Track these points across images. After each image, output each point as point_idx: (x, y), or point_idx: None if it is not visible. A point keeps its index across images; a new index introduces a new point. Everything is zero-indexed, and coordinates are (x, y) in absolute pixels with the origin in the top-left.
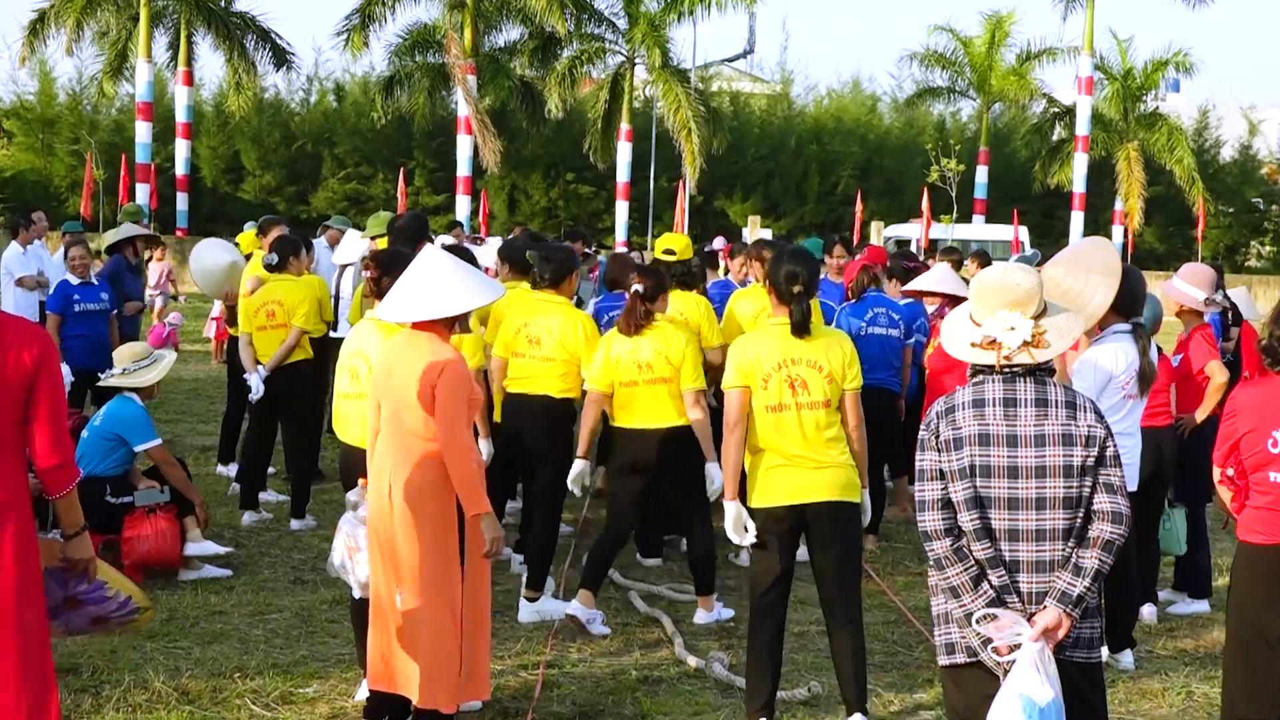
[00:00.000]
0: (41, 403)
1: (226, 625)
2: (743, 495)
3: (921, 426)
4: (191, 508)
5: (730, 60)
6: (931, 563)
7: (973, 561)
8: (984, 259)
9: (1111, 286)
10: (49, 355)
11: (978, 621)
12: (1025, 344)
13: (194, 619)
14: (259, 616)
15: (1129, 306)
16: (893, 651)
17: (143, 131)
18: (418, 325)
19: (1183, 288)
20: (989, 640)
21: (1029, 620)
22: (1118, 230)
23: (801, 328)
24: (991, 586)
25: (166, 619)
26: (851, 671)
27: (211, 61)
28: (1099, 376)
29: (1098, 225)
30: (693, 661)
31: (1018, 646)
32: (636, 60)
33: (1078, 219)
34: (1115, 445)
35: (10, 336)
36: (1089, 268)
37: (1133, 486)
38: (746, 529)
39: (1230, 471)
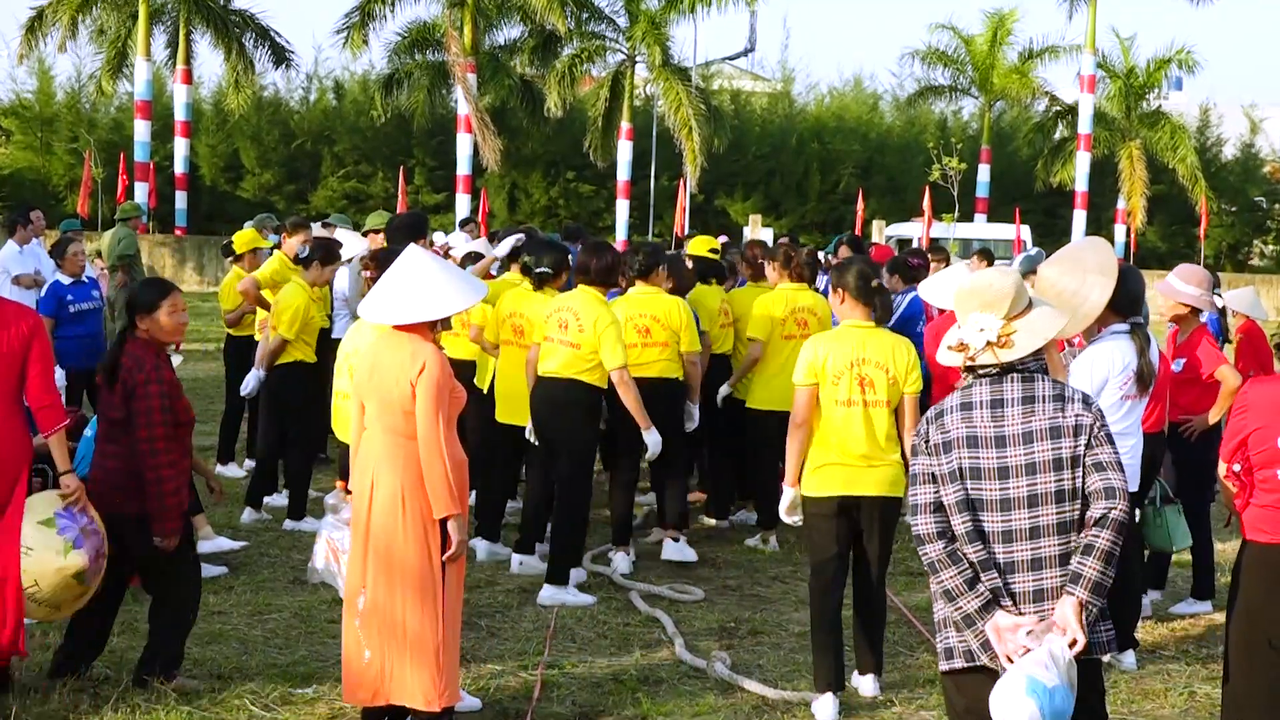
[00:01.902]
0: (35, 361)
1: (225, 625)
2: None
3: (915, 431)
4: (198, 507)
5: (731, 58)
6: (926, 566)
7: (966, 564)
8: (988, 257)
9: (1107, 286)
10: (39, 328)
11: (1027, 634)
12: (989, 344)
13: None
14: (258, 617)
15: (1127, 306)
16: (893, 652)
17: (141, 130)
18: (399, 325)
19: (1183, 287)
20: (987, 642)
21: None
22: (1120, 229)
23: (884, 320)
24: (984, 590)
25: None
26: (867, 642)
27: (210, 60)
28: (1095, 376)
29: (1100, 224)
30: (693, 661)
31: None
32: (637, 58)
33: (1080, 218)
34: (1107, 427)
35: (8, 314)
36: (1085, 267)
37: (1134, 486)
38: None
39: (1237, 468)
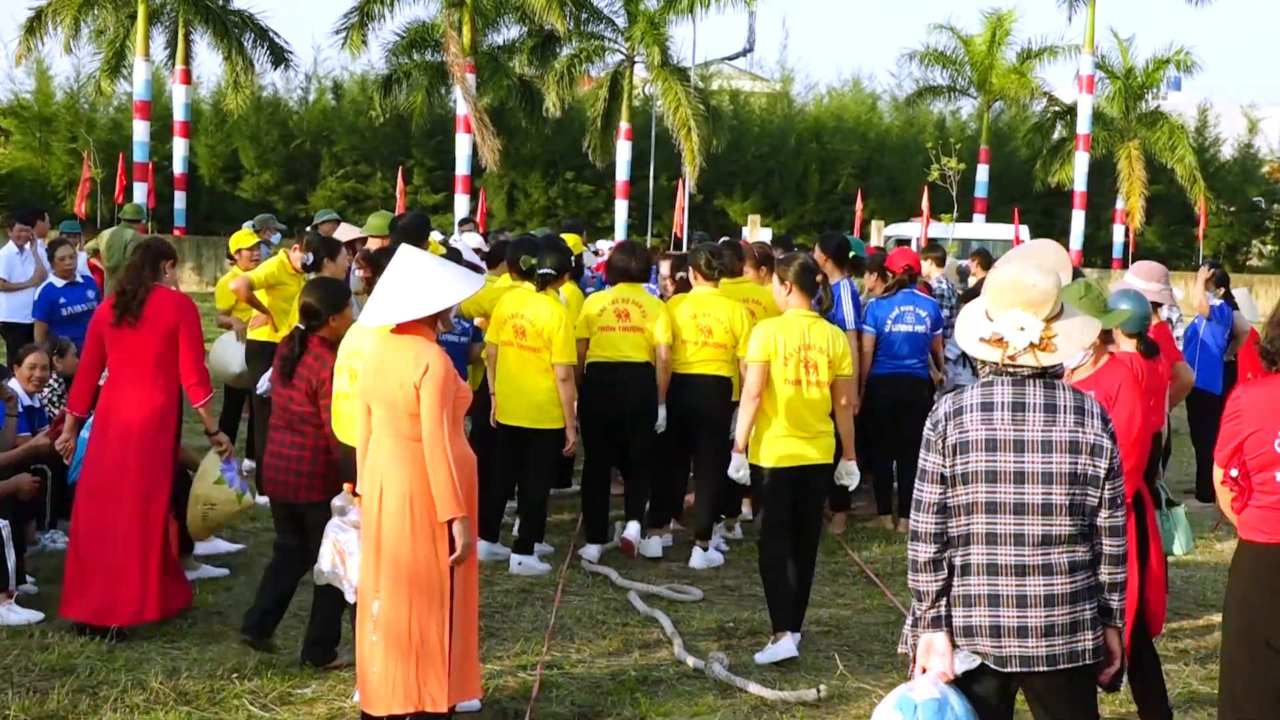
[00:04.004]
0: (185, 343)
1: (224, 625)
2: None
3: (928, 425)
4: None
5: (730, 58)
6: (909, 561)
7: (945, 574)
8: (985, 258)
9: (1064, 283)
10: (187, 313)
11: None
12: (1032, 345)
13: (192, 619)
14: None
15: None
16: (892, 652)
17: (140, 130)
18: (401, 327)
19: (1143, 285)
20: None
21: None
22: (1119, 229)
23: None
24: (944, 607)
25: (164, 619)
26: (798, 597)
27: (209, 60)
28: None
29: (1099, 224)
30: (692, 662)
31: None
32: (636, 58)
33: (1079, 218)
34: (1120, 455)
35: (163, 301)
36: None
37: None
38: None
39: (1234, 472)
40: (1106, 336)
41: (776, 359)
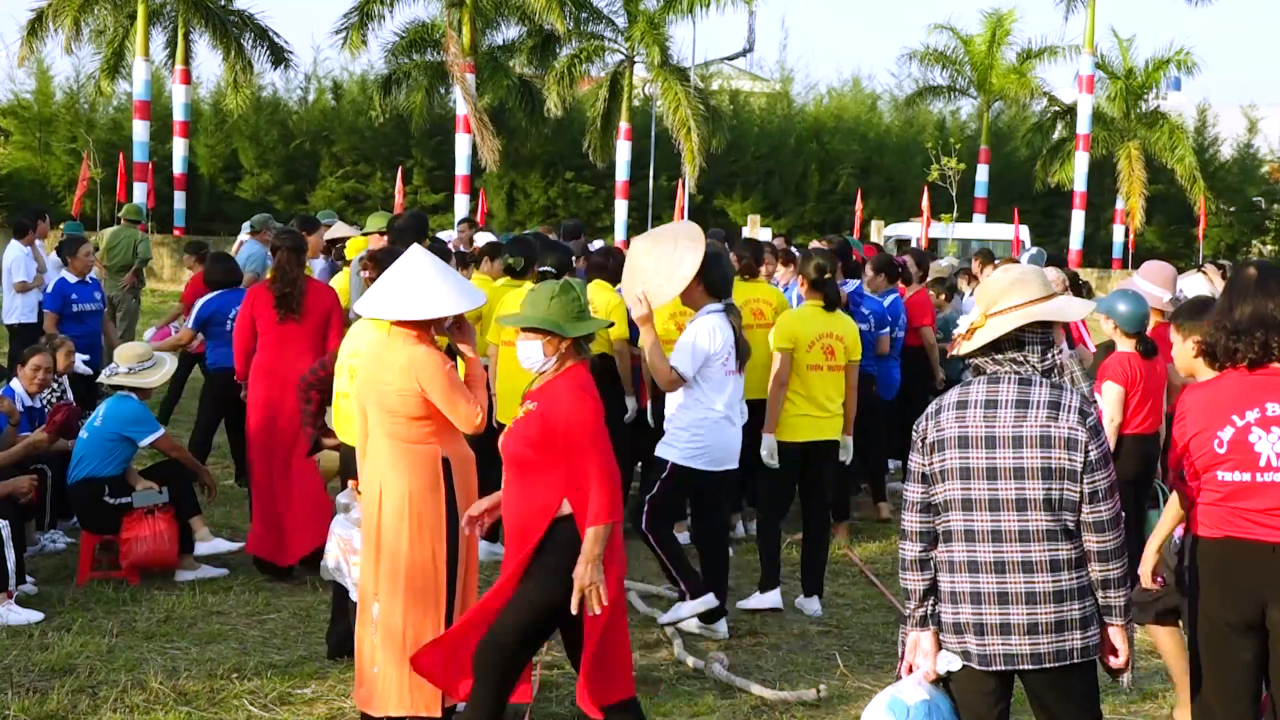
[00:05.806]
0: (336, 327)
1: (224, 626)
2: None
3: (915, 427)
4: (196, 509)
5: (730, 58)
6: (899, 560)
7: (931, 573)
8: (987, 257)
9: (698, 252)
10: (336, 303)
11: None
12: (958, 335)
13: (191, 619)
14: (257, 617)
15: (721, 288)
16: (892, 652)
17: (140, 130)
18: (397, 325)
19: (1148, 287)
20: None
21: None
22: (1119, 229)
23: (834, 304)
24: (931, 605)
25: (164, 619)
26: (817, 566)
27: (209, 60)
28: (697, 355)
29: (1099, 224)
30: (692, 662)
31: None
32: (636, 59)
33: (1078, 218)
34: (1103, 446)
35: (315, 292)
36: (674, 237)
37: (733, 463)
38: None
39: (1183, 474)
40: (578, 346)
41: (801, 346)
